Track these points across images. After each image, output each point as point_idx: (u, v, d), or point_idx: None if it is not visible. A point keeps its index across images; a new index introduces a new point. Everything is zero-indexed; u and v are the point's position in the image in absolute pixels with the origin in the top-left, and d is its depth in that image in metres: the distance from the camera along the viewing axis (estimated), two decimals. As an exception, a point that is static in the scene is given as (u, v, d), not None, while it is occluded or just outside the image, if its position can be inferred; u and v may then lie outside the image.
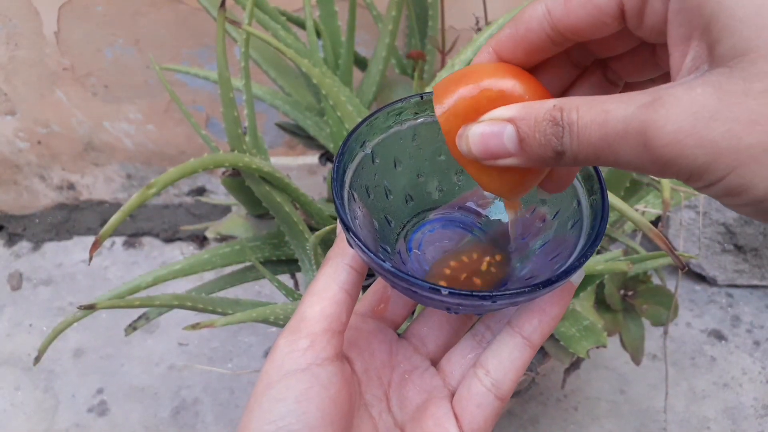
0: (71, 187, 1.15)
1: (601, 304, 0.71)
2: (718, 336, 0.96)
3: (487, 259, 0.31)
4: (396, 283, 0.27)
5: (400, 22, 0.75)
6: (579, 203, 0.29)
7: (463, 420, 0.29)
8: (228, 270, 0.73)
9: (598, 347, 0.63)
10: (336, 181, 0.28)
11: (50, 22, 0.96)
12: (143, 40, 0.98)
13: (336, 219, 0.63)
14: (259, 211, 0.73)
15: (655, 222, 0.78)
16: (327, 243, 0.67)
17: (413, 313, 0.35)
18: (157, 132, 1.07)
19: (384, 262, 0.26)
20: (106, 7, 0.94)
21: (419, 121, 0.31)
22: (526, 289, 0.25)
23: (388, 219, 0.32)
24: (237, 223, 0.75)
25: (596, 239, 0.27)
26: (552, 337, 0.67)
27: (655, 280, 0.74)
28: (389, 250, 0.31)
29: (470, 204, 0.33)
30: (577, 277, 0.28)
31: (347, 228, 0.27)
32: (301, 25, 0.81)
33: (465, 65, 0.69)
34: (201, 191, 1.15)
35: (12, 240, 1.16)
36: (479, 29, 0.80)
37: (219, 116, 1.05)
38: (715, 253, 0.98)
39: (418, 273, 0.31)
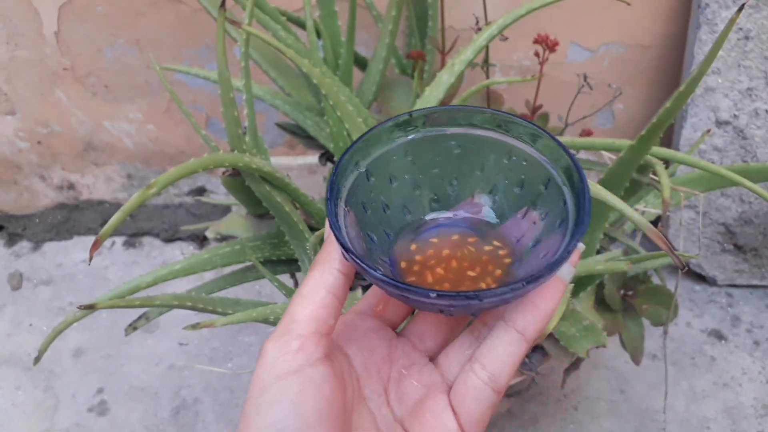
0: (71, 187, 1.15)
1: (601, 304, 0.71)
2: (718, 336, 0.96)
3: (487, 260, 0.32)
4: (387, 289, 0.28)
5: (400, 22, 0.75)
6: (565, 202, 0.30)
7: (461, 413, 0.30)
8: (228, 270, 0.73)
9: (597, 347, 0.63)
10: (330, 201, 0.29)
11: (50, 22, 0.96)
12: (143, 40, 0.98)
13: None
14: (259, 211, 0.73)
15: (655, 222, 0.78)
16: (327, 243, 0.67)
17: (412, 314, 0.35)
18: (158, 132, 1.07)
19: (374, 270, 0.27)
20: (106, 7, 0.94)
21: (410, 138, 0.32)
22: (512, 287, 0.26)
23: (387, 233, 0.33)
24: (237, 223, 0.75)
25: (577, 232, 0.28)
26: (552, 337, 0.67)
27: (655, 280, 0.74)
28: (388, 261, 0.32)
29: (463, 212, 0.34)
30: (567, 275, 0.29)
31: (339, 241, 0.28)
32: (302, 25, 0.81)
33: (465, 65, 0.69)
34: (201, 191, 1.15)
35: (12, 240, 1.16)
36: (479, 29, 0.80)
37: (219, 116, 1.05)
38: (715, 252, 0.98)
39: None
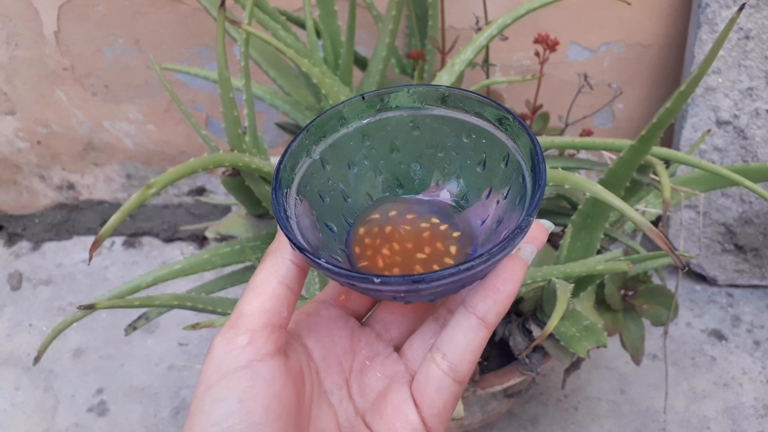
0: (71, 187, 1.15)
1: (602, 304, 0.71)
2: (719, 336, 0.96)
3: (447, 243, 0.31)
4: (335, 278, 0.26)
5: (400, 21, 0.75)
6: (523, 178, 0.29)
7: (422, 405, 0.29)
8: (228, 270, 0.73)
9: (598, 347, 0.63)
10: (277, 191, 0.28)
11: (50, 22, 0.96)
12: (143, 40, 0.97)
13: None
14: (259, 210, 0.73)
15: (656, 222, 0.78)
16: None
17: (378, 303, 0.34)
18: (157, 132, 1.07)
19: (318, 259, 0.26)
20: (106, 7, 0.94)
21: (365, 122, 0.31)
22: (459, 267, 0.25)
23: (348, 221, 0.31)
24: (237, 222, 0.75)
25: (531, 206, 0.26)
26: (552, 337, 0.67)
27: (656, 280, 0.74)
28: (347, 250, 0.31)
29: (424, 196, 0.33)
30: (529, 254, 0.28)
31: (284, 232, 0.27)
32: (301, 24, 0.81)
33: (465, 65, 0.69)
34: (201, 191, 1.15)
35: (12, 240, 1.16)
36: (479, 29, 0.80)
37: (219, 116, 1.05)
38: (716, 253, 0.98)
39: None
